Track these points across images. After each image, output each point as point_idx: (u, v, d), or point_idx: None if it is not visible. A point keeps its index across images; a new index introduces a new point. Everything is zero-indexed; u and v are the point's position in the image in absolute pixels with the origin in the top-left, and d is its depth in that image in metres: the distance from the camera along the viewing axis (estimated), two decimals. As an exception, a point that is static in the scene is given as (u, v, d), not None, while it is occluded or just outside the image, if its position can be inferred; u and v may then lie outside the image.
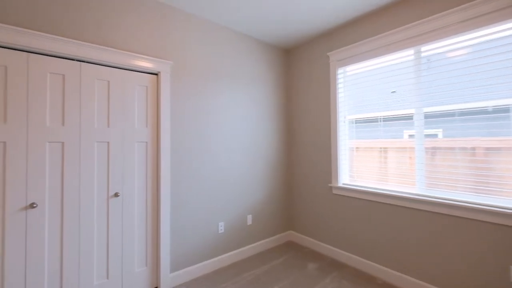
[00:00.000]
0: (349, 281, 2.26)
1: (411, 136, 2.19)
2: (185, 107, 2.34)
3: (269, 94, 3.08)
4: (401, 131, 2.25)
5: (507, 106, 1.71)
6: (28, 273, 1.61)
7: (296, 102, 3.22)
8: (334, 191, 2.73)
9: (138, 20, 2.07)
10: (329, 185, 2.76)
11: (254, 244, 2.87)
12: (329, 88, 2.81)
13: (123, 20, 2.00)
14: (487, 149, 1.79)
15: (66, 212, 1.75)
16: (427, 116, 2.07)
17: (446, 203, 1.89)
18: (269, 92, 3.09)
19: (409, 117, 2.18)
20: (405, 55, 2.20)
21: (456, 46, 1.92)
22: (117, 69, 1.98)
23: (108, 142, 1.94)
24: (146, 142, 2.13)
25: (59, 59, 1.74)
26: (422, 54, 2.10)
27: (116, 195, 1.94)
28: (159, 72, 2.16)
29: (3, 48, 1.55)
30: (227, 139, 2.66)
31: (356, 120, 2.60)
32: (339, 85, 2.72)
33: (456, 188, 1.92)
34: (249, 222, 2.84)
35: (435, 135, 2.04)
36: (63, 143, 1.75)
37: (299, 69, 3.17)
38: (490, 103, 1.77)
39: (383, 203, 2.32)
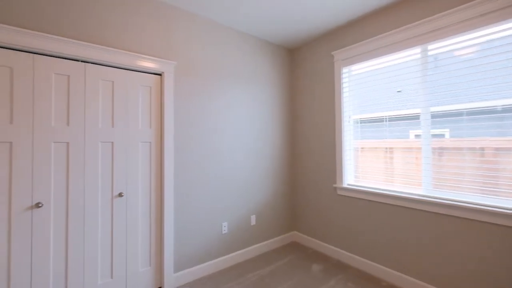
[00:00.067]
0: (354, 283, 2.23)
1: (417, 136, 2.15)
2: (189, 107, 2.34)
3: (273, 94, 3.07)
4: (407, 131, 2.21)
5: (517, 105, 1.66)
6: (34, 271, 1.62)
7: (300, 102, 3.20)
8: (339, 192, 2.70)
9: (142, 20, 2.08)
10: (334, 185, 2.73)
11: (258, 245, 2.85)
12: (333, 87, 2.78)
13: (127, 21, 2.01)
14: (497, 149, 1.75)
15: (71, 211, 1.76)
16: (434, 115, 2.03)
17: (454, 205, 1.85)
18: (273, 91, 3.07)
19: (416, 117, 2.14)
20: (412, 54, 2.16)
21: (464, 44, 1.88)
22: (121, 69, 1.99)
23: (112, 142, 1.95)
24: (150, 142, 2.13)
25: (64, 60, 1.75)
26: (429, 53, 2.06)
27: (120, 195, 1.95)
28: (163, 72, 2.17)
29: (9, 50, 1.57)
30: (231, 139, 2.65)
31: (361, 120, 2.57)
32: (344, 85, 2.70)
33: (463, 189, 1.88)
34: (253, 222, 2.82)
35: (442, 135, 2.00)
36: (68, 143, 1.76)
37: (303, 69, 3.15)
38: (499, 103, 1.73)
39: (388, 204, 2.28)
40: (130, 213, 2.02)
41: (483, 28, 1.77)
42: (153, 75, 2.15)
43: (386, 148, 2.36)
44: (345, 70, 2.69)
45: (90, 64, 1.85)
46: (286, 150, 3.21)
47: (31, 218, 1.62)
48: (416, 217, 2.09)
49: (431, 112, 2.05)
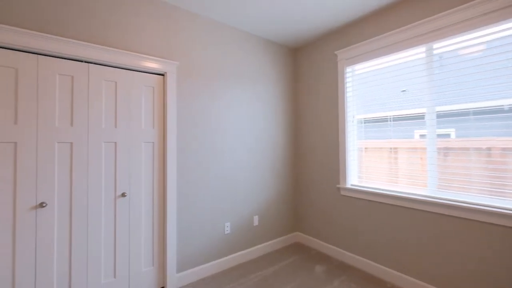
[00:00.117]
0: (358, 285, 2.20)
1: (422, 136, 2.12)
2: (191, 107, 2.34)
3: (275, 94, 3.06)
4: (411, 131, 2.18)
5: (525, 105, 1.63)
6: (38, 271, 1.63)
7: (304, 102, 3.18)
8: (342, 192, 2.68)
9: (145, 21, 2.09)
10: (337, 186, 2.71)
11: (261, 245, 2.84)
12: (337, 87, 2.76)
13: (130, 21, 2.01)
14: (504, 149, 1.71)
15: (75, 211, 1.77)
16: (440, 115, 2.00)
17: (461, 206, 1.82)
18: (276, 91, 3.06)
19: (420, 117, 2.12)
20: (416, 53, 2.13)
21: (470, 43, 1.84)
22: (124, 70, 2.00)
23: (115, 143, 1.95)
24: (153, 142, 2.14)
25: (68, 60, 1.77)
26: (434, 52, 2.03)
27: (123, 195, 1.95)
28: (166, 72, 2.17)
29: (13, 51, 1.59)
30: (233, 139, 2.64)
31: (365, 120, 2.54)
32: (348, 84, 2.67)
33: (470, 190, 1.85)
34: (256, 223, 2.82)
35: (448, 135, 1.97)
36: (71, 143, 1.77)
37: (307, 68, 3.13)
38: (506, 102, 1.69)
39: (392, 204, 2.26)
40: (133, 213, 2.03)
41: (490, 26, 1.73)
42: (155, 75, 2.16)
43: (390, 148, 2.34)
44: (348, 69, 2.67)
45: (93, 64, 1.86)
46: (289, 150, 3.19)
47: (35, 218, 1.63)
48: (421, 218, 2.06)
49: (437, 111, 2.02)
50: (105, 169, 1.91)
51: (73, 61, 1.78)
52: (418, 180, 2.14)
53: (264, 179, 2.91)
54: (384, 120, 2.38)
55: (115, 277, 1.93)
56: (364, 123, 2.55)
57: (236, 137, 2.66)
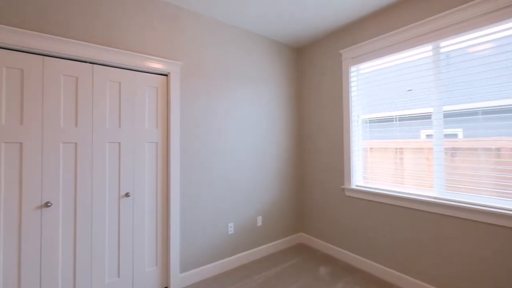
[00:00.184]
0: (362, 287, 2.17)
1: (429, 136, 2.08)
2: (195, 107, 2.34)
3: (279, 93, 3.04)
4: (418, 131, 2.14)
5: (536, 104, 1.58)
6: (43, 269, 1.65)
7: (307, 101, 3.15)
8: (347, 193, 2.64)
9: (148, 21, 2.09)
10: (342, 186, 2.68)
11: (264, 246, 2.83)
12: (341, 86, 2.73)
13: (133, 22, 2.02)
14: (514, 150, 1.66)
15: (79, 211, 1.79)
16: (447, 115, 1.96)
17: (469, 208, 1.78)
18: (279, 91, 3.04)
19: (427, 116, 2.07)
20: (423, 51, 2.09)
21: (478, 41, 1.80)
22: (128, 70, 2.00)
23: (119, 143, 1.96)
24: (156, 142, 2.14)
25: (72, 61, 1.78)
26: (441, 50, 1.99)
27: (127, 195, 1.96)
28: (169, 73, 2.17)
29: (19, 52, 1.60)
30: (237, 139, 2.64)
31: (370, 120, 2.51)
32: (352, 84, 2.64)
33: (478, 192, 1.80)
34: (259, 223, 2.80)
35: (455, 135, 1.92)
36: (76, 143, 1.79)
37: (311, 68, 3.11)
38: (517, 101, 1.65)
39: (398, 206, 2.22)
40: (136, 213, 2.03)
41: (499, 24, 1.69)
42: (159, 75, 2.16)
43: (396, 148, 2.30)
44: (353, 68, 2.64)
45: (97, 65, 1.87)
46: (293, 150, 3.17)
47: (40, 217, 1.65)
48: (428, 219, 2.02)
49: (444, 111, 1.97)
50: (109, 169, 1.92)
51: (77, 61, 1.80)
52: (424, 181, 2.10)
53: (268, 179, 2.90)
54: (389, 120, 2.34)
55: (119, 276, 1.94)
56: (369, 123, 2.51)
57: (239, 137, 2.65)
